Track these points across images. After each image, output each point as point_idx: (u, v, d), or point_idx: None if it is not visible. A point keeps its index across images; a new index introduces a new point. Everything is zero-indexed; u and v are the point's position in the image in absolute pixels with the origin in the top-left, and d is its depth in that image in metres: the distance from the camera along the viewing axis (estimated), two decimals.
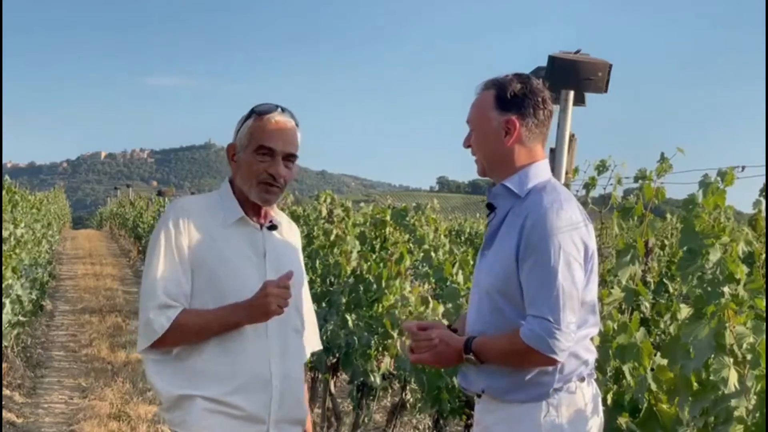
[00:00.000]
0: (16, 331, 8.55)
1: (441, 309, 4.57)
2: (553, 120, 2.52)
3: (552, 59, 3.96)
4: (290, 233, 2.73)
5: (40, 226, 14.29)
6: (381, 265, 5.36)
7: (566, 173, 4.05)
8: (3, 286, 7.17)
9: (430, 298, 4.95)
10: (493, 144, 2.43)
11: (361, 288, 5.39)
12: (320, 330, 3.00)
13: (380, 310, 5.22)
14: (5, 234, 8.23)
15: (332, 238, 5.81)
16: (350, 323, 5.28)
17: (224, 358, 2.49)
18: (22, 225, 9.81)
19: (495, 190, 2.45)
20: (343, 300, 5.43)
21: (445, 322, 4.38)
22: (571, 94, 4.03)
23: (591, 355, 2.42)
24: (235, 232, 2.56)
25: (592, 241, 2.39)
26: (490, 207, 2.48)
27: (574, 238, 2.31)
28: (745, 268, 2.66)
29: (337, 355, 5.48)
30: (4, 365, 7.55)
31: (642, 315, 3.36)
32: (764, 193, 2.94)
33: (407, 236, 5.57)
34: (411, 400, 5.22)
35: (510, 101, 2.40)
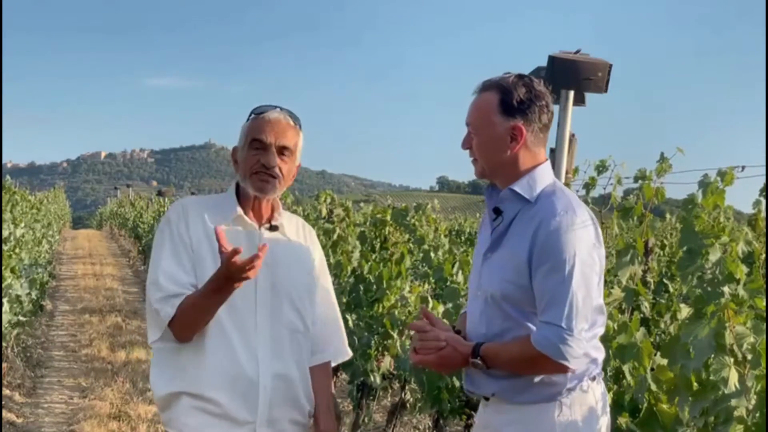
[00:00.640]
0: (16, 331, 8.55)
1: (441, 309, 4.57)
2: (553, 120, 2.52)
3: (552, 59, 3.96)
4: (299, 236, 2.72)
5: (40, 226, 14.30)
6: (381, 265, 5.36)
7: (566, 173, 4.05)
8: (3, 286, 7.17)
9: (430, 298, 4.95)
10: (498, 150, 2.40)
11: (362, 288, 5.39)
12: None
13: (380, 310, 5.23)
14: (5, 234, 8.23)
15: (334, 237, 5.81)
16: (350, 323, 5.28)
17: (209, 356, 2.50)
18: (22, 225, 9.81)
19: (503, 194, 2.42)
20: (344, 300, 5.43)
21: (446, 322, 4.38)
22: (571, 94, 4.03)
23: (600, 354, 2.41)
24: (233, 231, 2.57)
25: (602, 245, 2.38)
26: (497, 211, 2.45)
27: (588, 245, 2.30)
28: (744, 268, 2.66)
29: None
30: (4, 365, 7.55)
31: (642, 315, 3.36)
32: (764, 193, 2.95)
33: (407, 236, 5.58)
34: (411, 400, 5.22)
35: (516, 107, 2.37)
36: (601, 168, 3.69)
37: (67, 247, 25.59)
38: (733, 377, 2.37)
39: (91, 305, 12.85)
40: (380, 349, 5.12)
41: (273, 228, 2.63)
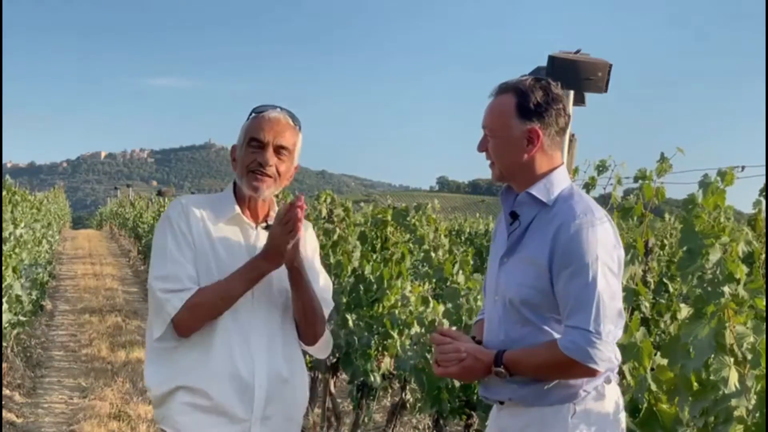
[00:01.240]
0: (16, 331, 8.54)
1: (441, 309, 4.57)
2: (569, 123, 2.50)
3: (552, 59, 3.95)
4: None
5: (40, 226, 14.28)
6: (382, 265, 5.36)
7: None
8: (3, 286, 7.17)
9: (430, 298, 4.95)
10: (515, 153, 2.39)
11: (362, 288, 5.39)
12: None
13: (380, 310, 5.23)
14: (5, 234, 8.23)
15: (335, 237, 5.81)
16: (350, 323, 5.28)
17: (207, 354, 2.51)
18: (22, 225, 9.81)
19: (520, 198, 2.41)
20: (344, 300, 5.43)
21: (446, 322, 4.39)
22: (571, 94, 4.02)
23: (619, 357, 2.41)
24: (230, 229, 2.60)
25: (621, 246, 2.37)
26: (514, 215, 2.43)
27: (608, 246, 2.30)
28: (745, 268, 2.66)
29: (337, 355, 5.48)
30: (4, 365, 7.55)
31: (642, 315, 3.36)
32: (764, 193, 2.94)
33: (408, 236, 5.57)
34: (411, 400, 5.22)
35: (532, 110, 2.36)
36: (601, 168, 3.69)
37: (67, 247, 25.59)
38: (733, 377, 2.37)
39: (91, 305, 12.85)
40: (380, 349, 5.12)
41: (269, 227, 2.64)
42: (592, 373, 2.28)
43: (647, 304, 3.41)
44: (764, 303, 2.58)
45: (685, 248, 2.73)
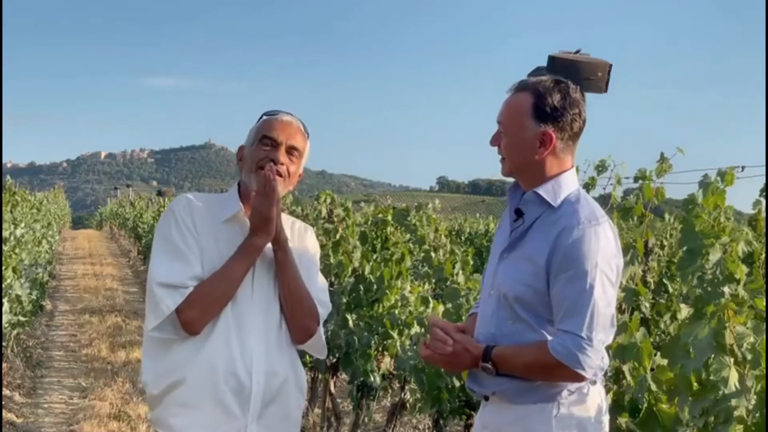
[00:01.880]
0: (16, 331, 8.55)
1: (441, 309, 4.57)
2: (584, 128, 2.48)
3: (552, 59, 3.95)
4: (297, 238, 2.73)
5: (40, 226, 14.28)
6: (382, 265, 5.36)
7: None
8: (3, 286, 7.17)
9: (430, 298, 4.96)
10: (526, 153, 2.39)
11: (362, 288, 5.39)
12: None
13: (380, 310, 5.23)
14: (5, 234, 8.23)
15: (337, 237, 5.81)
16: (350, 323, 5.28)
17: (204, 352, 2.50)
18: (22, 225, 9.80)
19: (526, 196, 2.41)
20: (344, 300, 5.43)
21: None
22: None
23: (606, 361, 2.41)
24: (232, 229, 2.59)
25: (621, 255, 2.38)
26: (519, 213, 2.44)
27: (608, 256, 2.30)
28: (745, 268, 2.66)
29: (337, 355, 5.48)
30: (4, 365, 7.55)
31: (642, 315, 3.36)
32: (764, 193, 2.95)
33: (408, 236, 5.58)
34: (411, 400, 5.22)
35: (548, 113, 2.35)
36: (601, 168, 3.68)
37: (67, 248, 25.59)
38: (733, 377, 2.37)
39: (91, 305, 12.86)
40: (380, 349, 5.13)
41: None
42: (579, 379, 2.29)
43: (647, 304, 3.41)
44: (764, 303, 2.58)
45: (685, 248, 2.73)
